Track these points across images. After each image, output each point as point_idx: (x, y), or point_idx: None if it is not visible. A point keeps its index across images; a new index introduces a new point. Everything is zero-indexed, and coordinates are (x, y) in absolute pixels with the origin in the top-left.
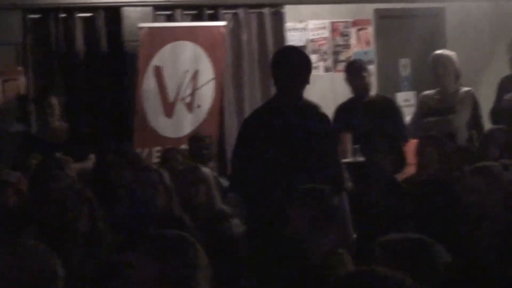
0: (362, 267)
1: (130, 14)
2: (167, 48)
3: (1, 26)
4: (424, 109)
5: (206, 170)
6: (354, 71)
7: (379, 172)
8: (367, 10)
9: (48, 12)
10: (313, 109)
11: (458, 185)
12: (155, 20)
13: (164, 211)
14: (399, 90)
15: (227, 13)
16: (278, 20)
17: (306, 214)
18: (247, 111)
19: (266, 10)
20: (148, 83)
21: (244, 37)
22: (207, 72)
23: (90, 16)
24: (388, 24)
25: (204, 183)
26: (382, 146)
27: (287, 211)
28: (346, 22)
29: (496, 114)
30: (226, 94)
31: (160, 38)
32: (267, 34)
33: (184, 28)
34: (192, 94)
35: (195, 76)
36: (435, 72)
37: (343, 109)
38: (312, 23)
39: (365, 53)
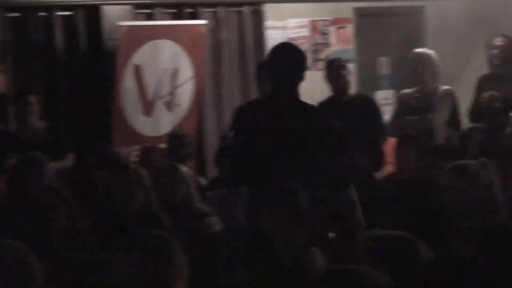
0: (339, 265)
1: (110, 13)
2: (147, 47)
3: None
4: (403, 107)
5: (184, 169)
6: (334, 70)
7: (358, 171)
8: (347, 9)
9: (28, 10)
10: (309, 106)
11: (436, 184)
12: (134, 18)
13: (142, 210)
14: (379, 89)
15: (207, 11)
16: (258, 18)
17: (276, 213)
18: (227, 110)
19: (245, 9)
20: (127, 81)
21: (224, 35)
22: (186, 70)
23: (70, 15)
24: (367, 22)
25: (182, 182)
26: (361, 145)
27: (258, 210)
28: (326, 20)
29: (474, 113)
30: (205, 93)
31: (139, 37)
32: (247, 32)
33: (163, 26)
34: (172, 92)
35: (174, 74)
36: (415, 71)
37: (322, 107)
38: (291, 22)
39: (345, 51)
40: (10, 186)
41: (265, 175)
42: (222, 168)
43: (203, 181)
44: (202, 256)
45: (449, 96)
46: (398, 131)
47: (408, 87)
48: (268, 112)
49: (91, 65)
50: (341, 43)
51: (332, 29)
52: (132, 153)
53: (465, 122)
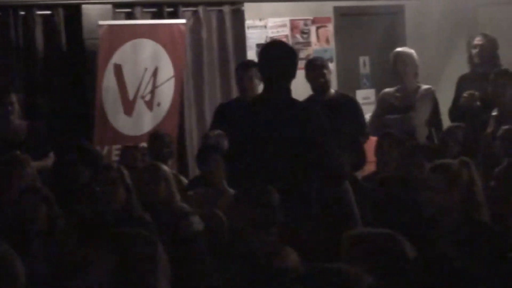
0: (320, 264)
1: (90, 12)
2: (127, 46)
3: None
4: (384, 106)
5: (166, 168)
6: (314, 69)
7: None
8: (327, 8)
9: (7, 9)
10: (302, 102)
11: (417, 183)
12: (114, 17)
13: (124, 209)
14: (359, 88)
15: (187, 10)
16: (238, 18)
17: (249, 213)
18: (207, 108)
19: (226, 8)
20: (108, 81)
21: (204, 35)
22: (167, 70)
23: (50, 14)
24: (348, 22)
25: (164, 181)
26: (341, 144)
27: (232, 210)
28: (306, 20)
29: (455, 112)
30: (186, 92)
31: (119, 36)
32: (227, 32)
33: (144, 26)
34: (152, 92)
35: (155, 74)
36: (395, 70)
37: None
38: (271, 21)
39: (325, 50)
40: None
41: (261, 174)
42: (203, 166)
43: (184, 180)
44: (183, 255)
45: (430, 95)
46: (379, 130)
47: (389, 86)
48: (260, 110)
49: (71, 65)
50: (321, 42)
51: (312, 28)
52: (113, 152)
53: (446, 121)
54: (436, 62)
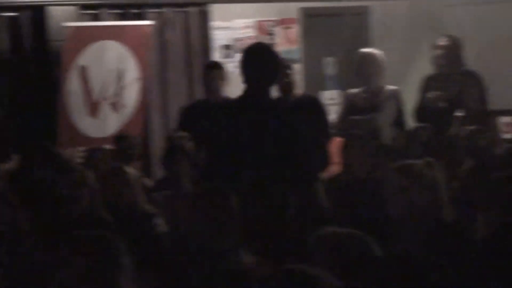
0: (285, 265)
1: (55, 13)
2: (92, 48)
3: None
4: (349, 107)
5: (130, 170)
6: None
7: None
8: (293, 9)
9: None
10: (285, 104)
11: (382, 184)
12: (80, 19)
13: (88, 212)
14: (325, 89)
15: (153, 12)
16: (204, 19)
17: (207, 213)
18: (172, 110)
19: (191, 9)
20: (73, 82)
21: (170, 36)
22: (132, 71)
23: (15, 16)
24: (313, 22)
25: (128, 184)
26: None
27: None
28: (272, 21)
29: (419, 113)
30: (151, 94)
31: (85, 38)
32: (193, 33)
33: (109, 27)
34: (117, 93)
35: (120, 75)
36: (361, 71)
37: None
38: (237, 22)
39: (291, 51)
40: None
41: (244, 175)
42: (168, 168)
43: (149, 182)
44: (147, 257)
45: (395, 96)
46: (344, 131)
47: (354, 87)
48: (245, 113)
49: (36, 66)
50: (287, 43)
51: (278, 30)
52: (77, 154)
53: (411, 122)
54: (401, 63)
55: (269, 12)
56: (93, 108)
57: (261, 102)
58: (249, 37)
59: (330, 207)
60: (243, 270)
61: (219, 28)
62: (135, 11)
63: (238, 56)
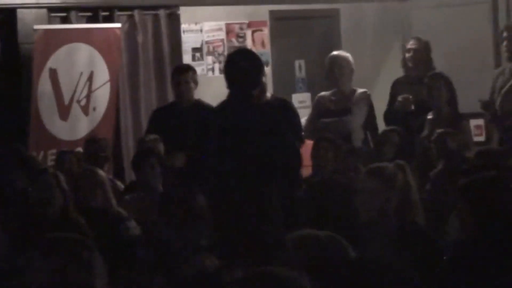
0: (256, 267)
1: (25, 16)
2: (62, 50)
3: None
4: (320, 110)
5: (102, 173)
6: None
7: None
8: (263, 12)
9: None
10: (268, 107)
11: (353, 186)
12: (50, 22)
13: (60, 214)
14: (295, 92)
15: (122, 15)
16: (174, 22)
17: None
18: (143, 113)
19: (161, 12)
20: (43, 85)
21: (140, 39)
22: (102, 74)
23: None
24: (283, 25)
25: (100, 186)
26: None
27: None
28: (242, 23)
29: (390, 116)
30: (121, 96)
31: (55, 40)
32: (163, 36)
33: (79, 30)
34: (88, 96)
35: (90, 78)
36: (331, 73)
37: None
38: (207, 25)
39: (261, 54)
40: None
41: (233, 181)
42: (139, 171)
43: (120, 184)
44: (120, 259)
45: (365, 99)
46: (314, 133)
47: (325, 90)
48: (229, 116)
49: (6, 69)
50: (257, 46)
51: (248, 32)
52: (48, 157)
53: (381, 125)
54: (371, 66)
55: (239, 14)
56: (64, 111)
57: (246, 106)
58: (218, 40)
59: (301, 210)
60: (213, 272)
61: (189, 31)
62: (105, 13)
63: (208, 59)
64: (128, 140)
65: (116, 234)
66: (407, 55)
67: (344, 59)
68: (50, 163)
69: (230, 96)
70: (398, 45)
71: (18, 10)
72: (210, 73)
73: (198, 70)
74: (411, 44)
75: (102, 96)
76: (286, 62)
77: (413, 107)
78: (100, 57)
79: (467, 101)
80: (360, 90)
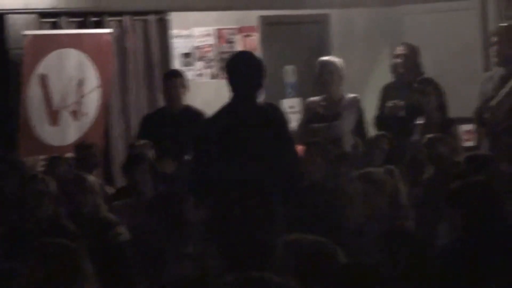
0: (244, 272)
1: (15, 22)
2: (52, 56)
3: None
4: (309, 115)
5: (92, 178)
6: None
7: None
8: (253, 17)
9: None
10: (269, 110)
11: (343, 191)
12: (40, 27)
13: (50, 220)
14: (285, 97)
15: (112, 20)
16: (163, 27)
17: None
18: (133, 118)
19: (151, 18)
20: (33, 91)
21: (130, 44)
22: (92, 80)
23: None
24: (273, 31)
25: (90, 192)
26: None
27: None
28: (232, 29)
29: (379, 121)
30: (111, 102)
31: (45, 46)
32: (152, 41)
33: (69, 35)
34: (78, 102)
35: (80, 84)
36: (321, 79)
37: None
38: (197, 30)
39: None
40: None
41: (235, 183)
42: (129, 176)
43: (110, 190)
44: (109, 265)
45: (355, 104)
46: (305, 139)
47: (315, 95)
48: (231, 119)
49: None
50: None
51: (238, 38)
52: (38, 163)
53: (371, 130)
54: (361, 71)
55: (229, 20)
56: (54, 116)
57: (250, 108)
58: (208, 45)
59: (290, 214)
60: (197, 279)
61: (178, 36)
62: (95, 19)
63: (198, 64)
64: (118, 145)
65: (106, 240)
66: (397, 60)
67: (334, 64)
68: (40, 168)
69: (233, 98)
70: (388, 50)
71: (8, 16)
72: (200, 78)
73: (188, 75)
74: (400, 50)
75: (92, 102)
76: (276, 67)
77: (403, 113)
78: (90, 62)
79: (456, 106)
80: (350, 95)
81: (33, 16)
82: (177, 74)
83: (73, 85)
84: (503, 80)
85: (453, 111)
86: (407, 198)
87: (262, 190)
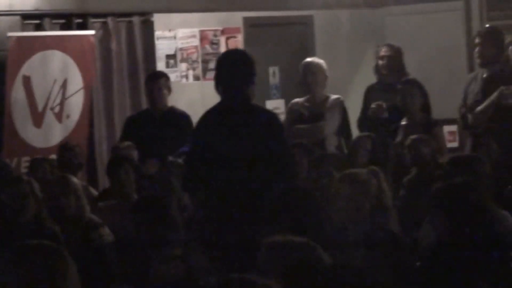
0: (227, 274)
1: None
2: (36, 58)
3: None
4: (294, 116)
5: (75, 180)
6: None
7: None
8: (236, 19)
9: None
10: (261, 109)
11: (326, 192)
12: (23, 29)
13: (33, 222)
14: (269, 98)
15: (96, 22)
16: (148, 28)
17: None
18: (117, 120)
19: (135, 19)
20: (17, 92)
21: (113, 46)
22: (76, 81)
23: None
24: (257, 32)
25: (74, 193)
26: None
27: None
28: (215, 30)
29: (363, 122)
30: (95, 103)
31: (28, 47)
32: (137, 42)
33: (53, 37)
34: (61, 103)
35: (64, 85)
36: (305, 80)
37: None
38: (181, 32)
39: None
40: None
41: (229, 182)
42: (113, 178)
43: (94, 191)
44: (93, 266)
45: (339, 105)
46: (288, 140)
47: (298, 97)
48: (223, 117)
49: None
50: None
51: (222, 39)
52: (22, 164)
53: (355, 131)
54: (345, 72)
55: (213, 21)
56: (38, 118)
57: (242, 105)
58: (192, 47)
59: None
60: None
61: (162, 37)
62: (79, 21)
63: (182, 66)
64: (102, 147)
65: (90, 242)
66: (380, 62)
67: (318, 65)
68: (23, 170)
69: (223, 95)
70: (372, 51)
71: None
72: (184, 79)
73: (172, 77)
74: (383, 51)
75: (75, 103)
76: (260, 69)
77: (386, 114)
78: (74, 64)
79: (440, 107)
80: (333, 97)
81: (16, 17)
82: (160, 76)
83: (57, 87)
84: (486, 82)
85: (437, 112)
86: (390, 199)
87: (254, 189)
